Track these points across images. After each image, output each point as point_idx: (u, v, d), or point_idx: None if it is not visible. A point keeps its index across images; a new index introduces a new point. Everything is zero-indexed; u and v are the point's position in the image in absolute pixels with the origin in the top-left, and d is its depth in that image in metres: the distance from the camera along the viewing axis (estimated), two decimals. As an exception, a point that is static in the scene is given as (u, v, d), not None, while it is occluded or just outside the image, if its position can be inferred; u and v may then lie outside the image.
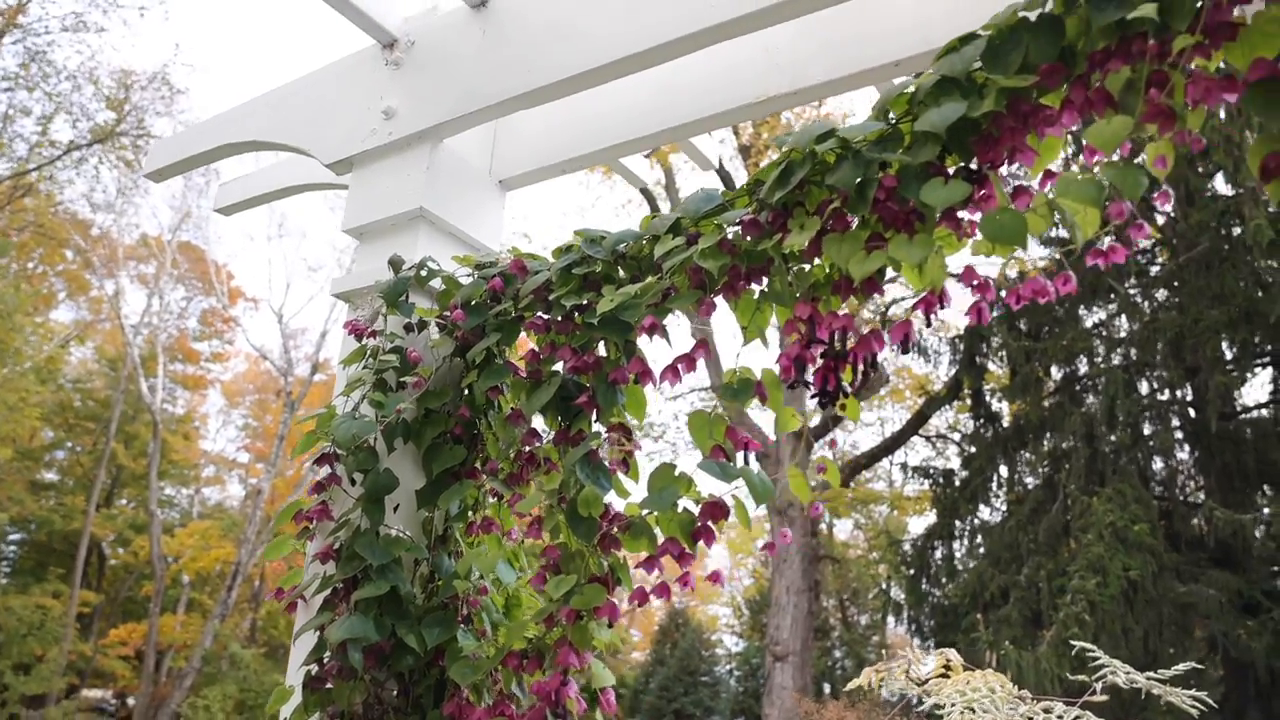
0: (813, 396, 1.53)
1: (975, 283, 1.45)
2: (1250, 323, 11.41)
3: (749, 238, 1.64)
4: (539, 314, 1.92)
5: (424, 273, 2.12)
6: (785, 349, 1.54)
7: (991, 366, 14.20)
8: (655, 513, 1.65)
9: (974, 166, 1.48)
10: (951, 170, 1.50)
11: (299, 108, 2.61)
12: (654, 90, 2.38)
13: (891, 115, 1.58)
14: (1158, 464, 12.44)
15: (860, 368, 1.52)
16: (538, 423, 1.97)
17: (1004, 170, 1.53)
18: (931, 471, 14.51)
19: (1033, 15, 1.46)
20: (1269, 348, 12.26)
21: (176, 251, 22.29)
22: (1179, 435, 12.23)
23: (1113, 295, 12.63)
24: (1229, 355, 12.06)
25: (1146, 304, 12.53)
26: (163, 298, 22.59)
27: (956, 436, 16.76)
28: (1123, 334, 12.74)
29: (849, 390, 1.51)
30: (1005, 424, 13.74)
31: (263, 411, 26.56)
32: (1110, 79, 1.38)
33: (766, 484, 1.59)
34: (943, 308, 1.46)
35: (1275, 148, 1.23)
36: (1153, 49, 1.33)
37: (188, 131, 2.95)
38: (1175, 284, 12.07)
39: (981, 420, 14.05)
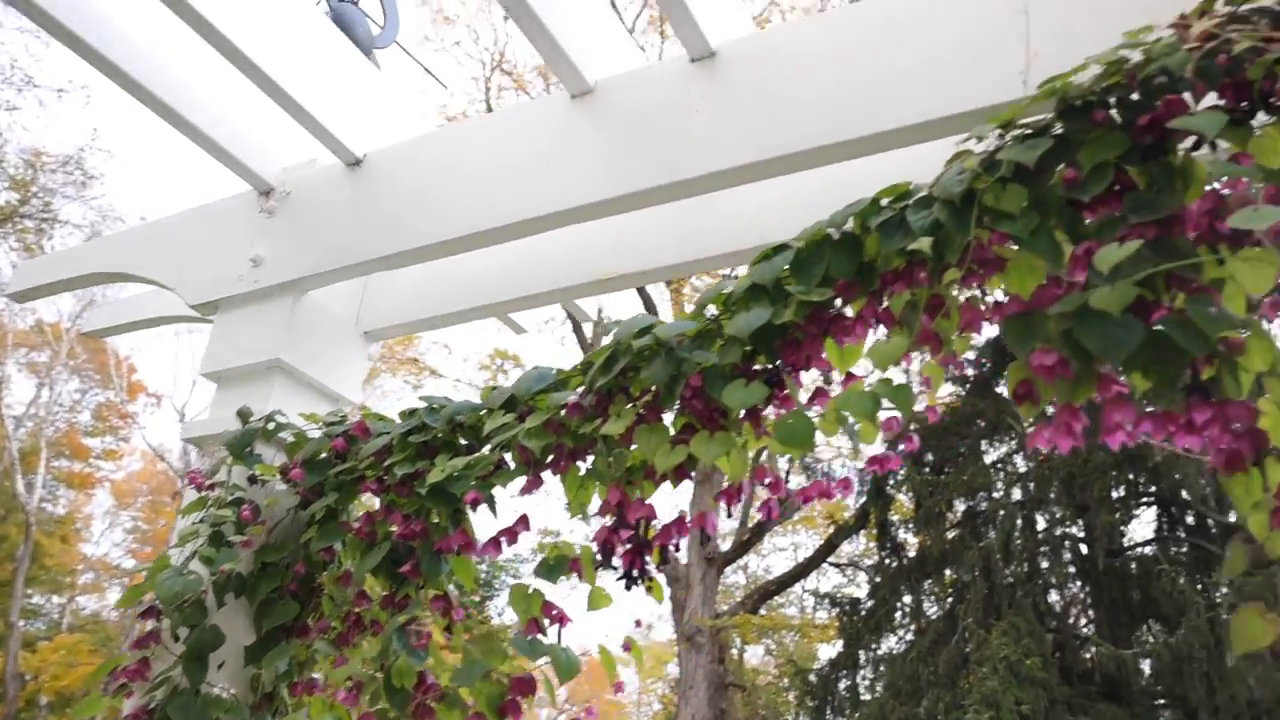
0: (620, 578, 1.58)
1: (768, 480, 1.53)
2: (1135, 464, 11.87)
3: (574, 419, 1.71)
4: (380, 476, 1.95)
5: (272, 425, 2.14)
6: (596, 532, 1.59)
7: (902, 498, 14.45)
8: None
9: (776, 368, 1.59)
10: (760, 368, 1.60)
11: (172, 244, 2.64)
12: (522, 256, 2.48)
13: (712, 311, 1.69)
14: (1053, 597, 12.68)
15: (664, 551, 1.58)
16: (372, 584, 1.98)
17: (814, 373, 1.64)
18: (839, 600, 14.55)
19: (836, 233, 1.59)
20: (1153, 489, 12.73)
21: (75, 341, 21.62)
22: (1071, 570, 12.52)
23: (1013, 433, 13.06)
24: (1116, 495, 12.49)
25: (1043, 442, 12.93)
26: (54, 388, 21.82)
27: (866, 565, 16.89)
28: (1021, 470, 13.12)
29: (651, 574, 1.57)
30: (910, 555, 13.92)
31: (155, 514, 25.34)
32: (895, 299, 1.50)
33: (573, 661, 1.62)
34: (739, 501, 1.54)
35: (1026, 375, 1.35)
36: (924, 279, 1.46)
37: (60, 254, 2.96)
38: (1070, 424, 12.50)
39: (888, 551, 14.21)
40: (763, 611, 16.39)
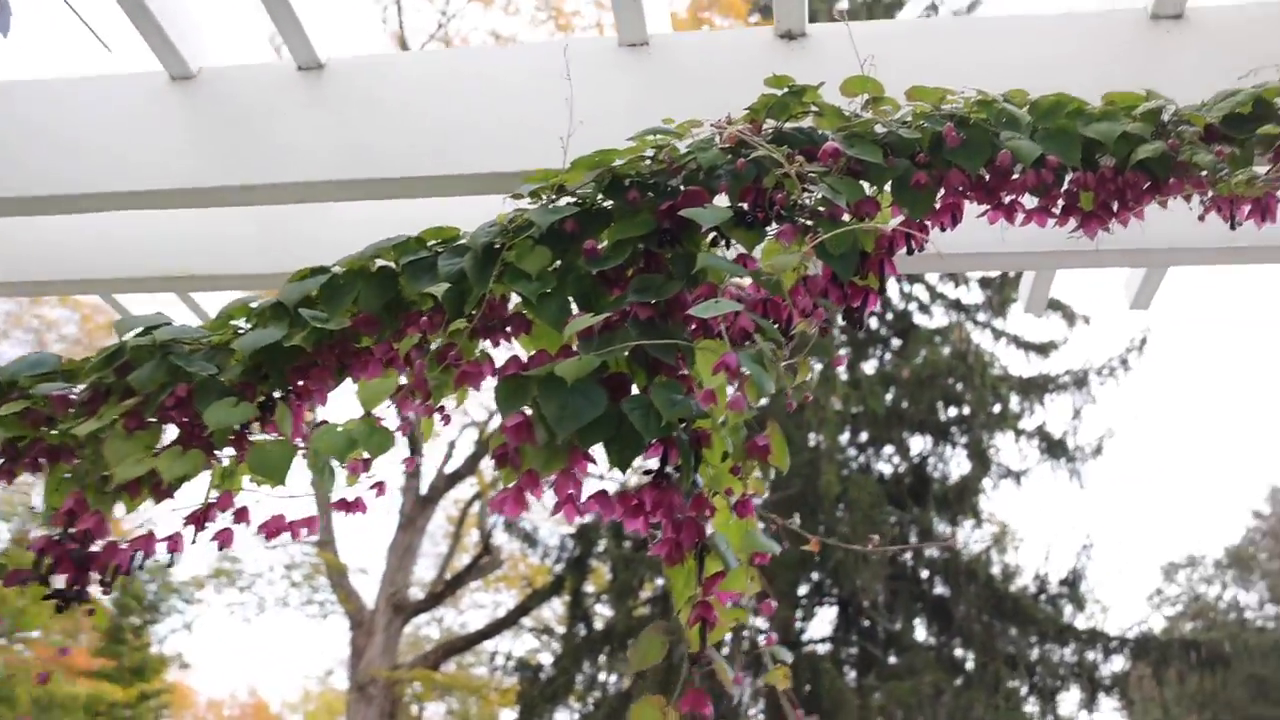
0: (48, 596, 1.40)
1: (233, 509, 1.41)
2: (820, 564, 12.62)
3: (61, 414, 1.53)
4: None
5: None
6: (34, 540, 1.41)
7: (603, 568, 14.60)
8: None
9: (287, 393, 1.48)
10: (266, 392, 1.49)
11: None
12: (133, 238, 2.28)
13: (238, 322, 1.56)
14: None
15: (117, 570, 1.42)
16: None
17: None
18: (522, 665, 14.40)
19: (374, 266, 1.52)
20: (835, 591, 13.57)
21: None
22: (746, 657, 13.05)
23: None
24: (802, 591, 13.22)
25: (738, 533, 13.52)
26: None
27: (560, 631, 16.88)
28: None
29: (89, 596, 1.40)
30: (599, 627, 14.04)
31: None
32: (405, 341, 1.44)
33: None
34: (203, 528, 1.41)
35: (501, 441, 1.31)
36: (436, 325, 1.41)
37: None
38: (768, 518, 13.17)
39: (578, 620, 14.27)
40: (450, 669, 15.98)
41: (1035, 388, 13.44)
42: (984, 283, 13.51)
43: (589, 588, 14.39)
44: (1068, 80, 1.45)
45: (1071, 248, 1.68)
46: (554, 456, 1.28)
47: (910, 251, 1.31)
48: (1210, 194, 1.36)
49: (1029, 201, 1.41)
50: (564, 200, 1.50)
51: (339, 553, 11.88)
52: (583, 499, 1.23)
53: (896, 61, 1.57)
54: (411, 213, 2.11)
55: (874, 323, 13.41)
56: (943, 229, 1.40)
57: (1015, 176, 1.36)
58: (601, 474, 1.28)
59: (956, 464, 13.39)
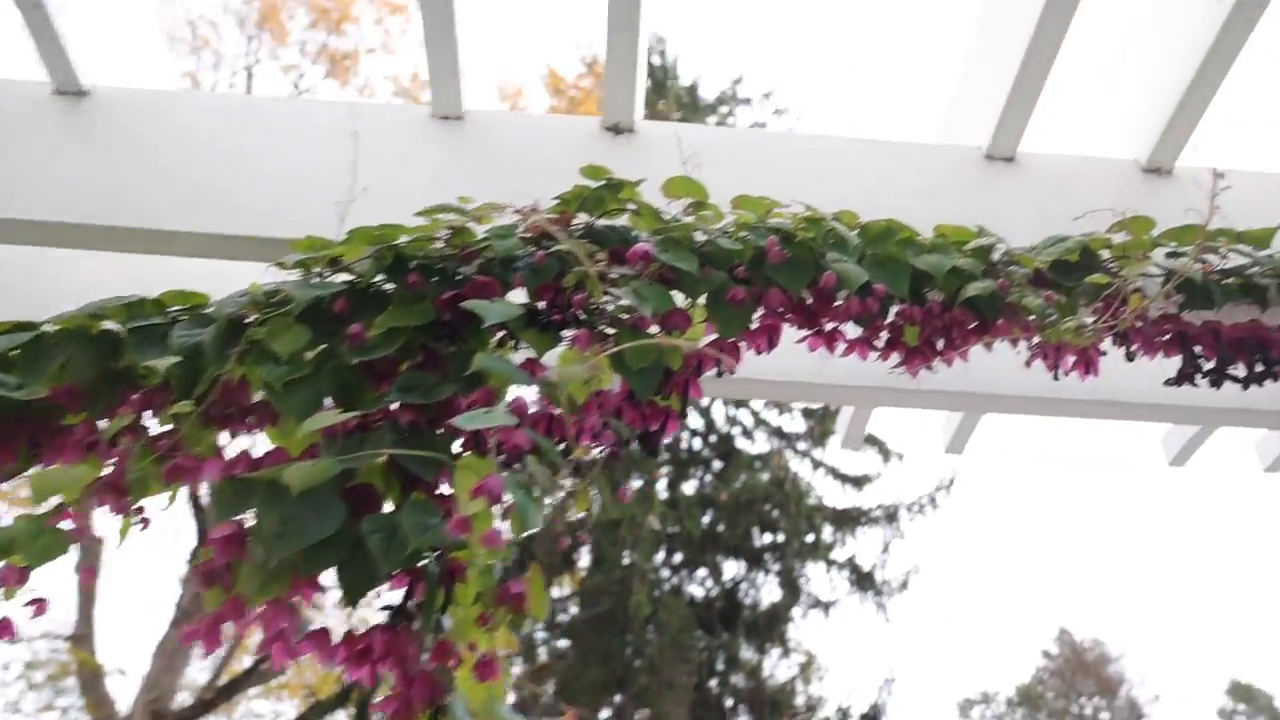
0: None
1: None
2: (623, 687, 12.25)
3: None
4: None
5: None
6: None
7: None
8: None
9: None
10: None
11: None
12: None
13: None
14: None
15: None
16: None
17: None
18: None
19: (96, 328, 1.25)
20: (638, 717, 13.19)
21: None
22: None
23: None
24: (603, 716, 12.77)
25: (545, 650, 13.05)
26: None
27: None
28: (515, 670, 13.06)
29: None
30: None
31: None
32: (115, 421, 1.18)
33: None
34: None
35: (209, 557, 1.06)
36: (145, 404, 1.16)
37: None
38: (575, 637, 12.79)
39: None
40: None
41: (848, 520, 13.74)
42: (807, 412, 13.86)
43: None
44: (901, 208, 1.37)
45: (891, 385, 1.59)
46: (271, 580, 1.03)
47: (720, 374, 1.16)
48: (1036, 340, 1.29)
49: (851, 331, 1.30)
50: (340, 276, 1.29)
51: (96, 650, 10.60)
52: (296, 638, 0.99)
53: (727, 169, 1.46)
54: (184, 271, 1.85)
55: (697, 444, 13.49)
56: (759, 352, 1.26)
57: (839, 302, 1.25)
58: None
59: (768, 591, 13.43)
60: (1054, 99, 1.66)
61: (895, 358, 1.30)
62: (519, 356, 1.21)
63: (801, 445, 13.96)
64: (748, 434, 13.84)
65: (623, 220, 1.34)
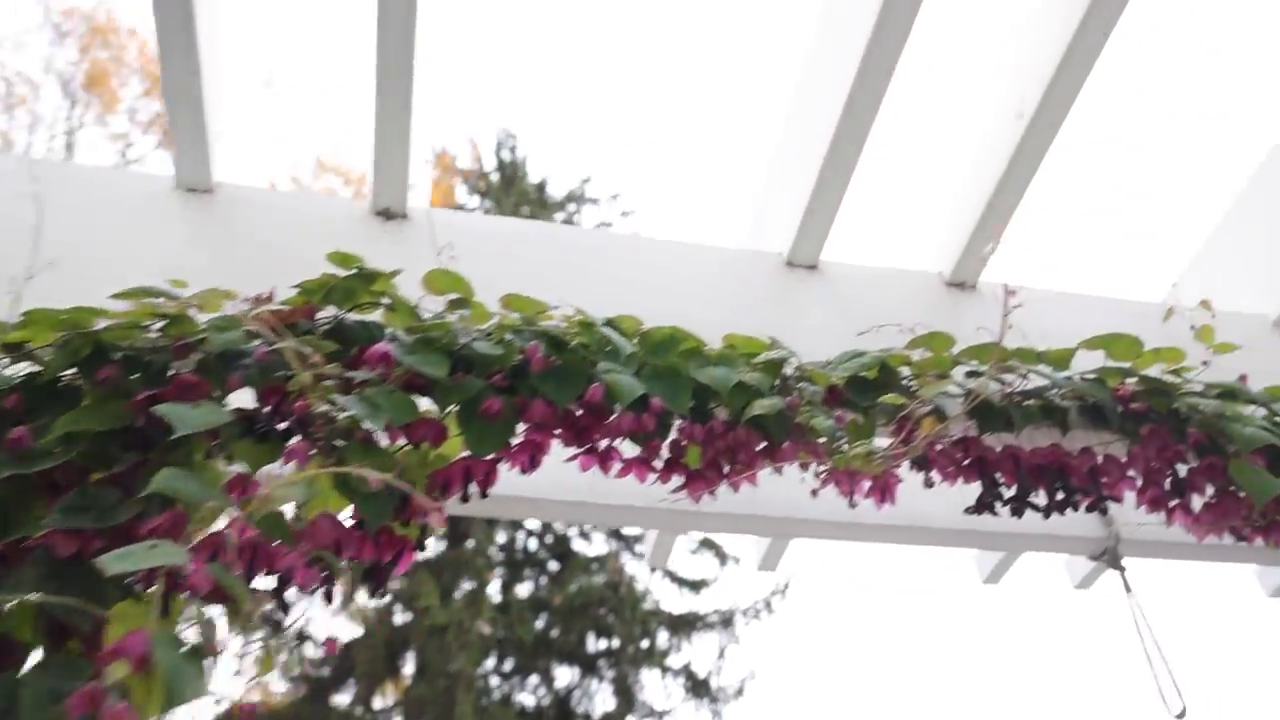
0: None
1: None
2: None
3: None
4: None
5: None
6: None
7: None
8: None
9: None
10: None
11: None
12: None
13: None
14: None
15: None
16: None
17: None
18: None
19: None
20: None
21: None
22: None
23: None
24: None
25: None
26: None
27: None
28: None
29: None
30: None
31: None
32: None
33: None
34: None
35: None
36: None
37: None
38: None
39: None
40: None
41: (684, 625, 13.54)
42: (645, 515, 13.70)
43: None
44: (697, 314, 1.26)
45: (683, 507, 1.46)
46: None
47: (466, 499, 0.99)
48: (828, 464, 1.18)
49: (630, 449, 1.16)
50: (21, 365, 1.07)
51: None
52: None
53: (508, 264, 1.33)
54: None
55: (533, 544, 13.15)
56: (522, 471, 1.10)
57: (612, 418, 1.11)
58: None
59: (601, 699, 13.02)
60: (860, 209, 1.61)
61: (677, 480, 1.17)
62: (237, 468, 1.02)
63: (639, 548, 13.79)
64: (584, 535, 13.58)
65: (377, 315, 1.17)
